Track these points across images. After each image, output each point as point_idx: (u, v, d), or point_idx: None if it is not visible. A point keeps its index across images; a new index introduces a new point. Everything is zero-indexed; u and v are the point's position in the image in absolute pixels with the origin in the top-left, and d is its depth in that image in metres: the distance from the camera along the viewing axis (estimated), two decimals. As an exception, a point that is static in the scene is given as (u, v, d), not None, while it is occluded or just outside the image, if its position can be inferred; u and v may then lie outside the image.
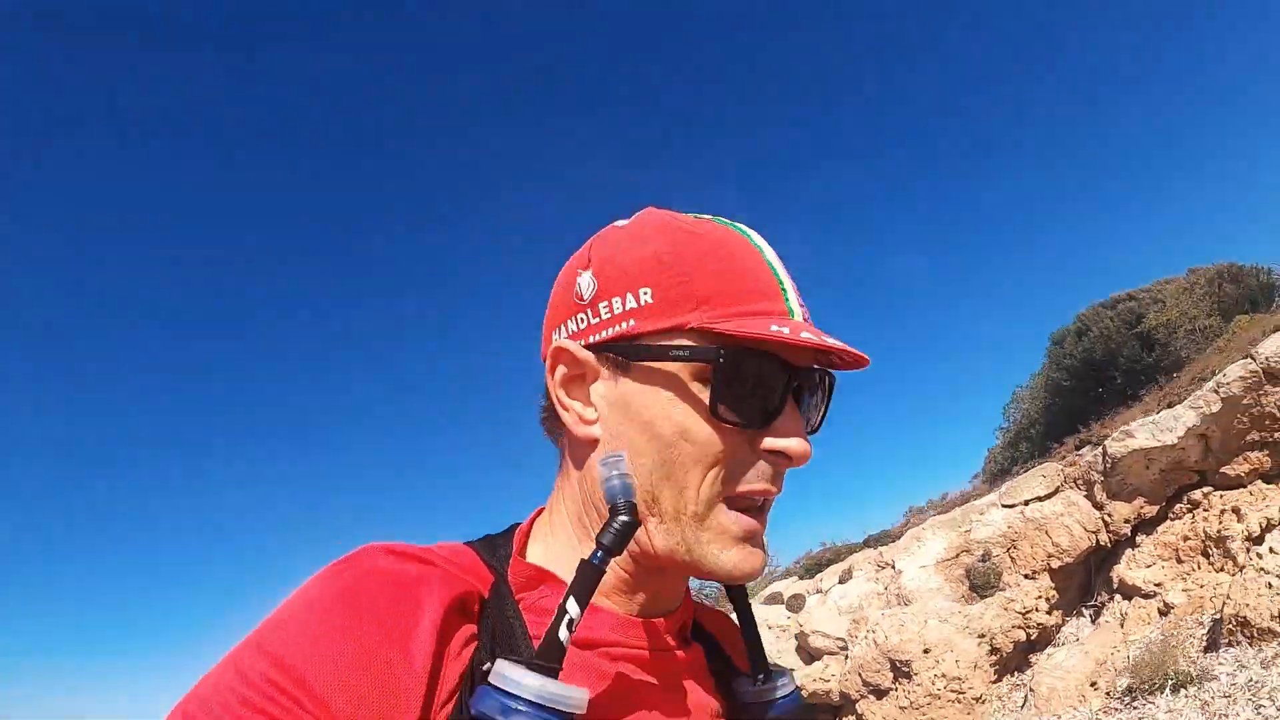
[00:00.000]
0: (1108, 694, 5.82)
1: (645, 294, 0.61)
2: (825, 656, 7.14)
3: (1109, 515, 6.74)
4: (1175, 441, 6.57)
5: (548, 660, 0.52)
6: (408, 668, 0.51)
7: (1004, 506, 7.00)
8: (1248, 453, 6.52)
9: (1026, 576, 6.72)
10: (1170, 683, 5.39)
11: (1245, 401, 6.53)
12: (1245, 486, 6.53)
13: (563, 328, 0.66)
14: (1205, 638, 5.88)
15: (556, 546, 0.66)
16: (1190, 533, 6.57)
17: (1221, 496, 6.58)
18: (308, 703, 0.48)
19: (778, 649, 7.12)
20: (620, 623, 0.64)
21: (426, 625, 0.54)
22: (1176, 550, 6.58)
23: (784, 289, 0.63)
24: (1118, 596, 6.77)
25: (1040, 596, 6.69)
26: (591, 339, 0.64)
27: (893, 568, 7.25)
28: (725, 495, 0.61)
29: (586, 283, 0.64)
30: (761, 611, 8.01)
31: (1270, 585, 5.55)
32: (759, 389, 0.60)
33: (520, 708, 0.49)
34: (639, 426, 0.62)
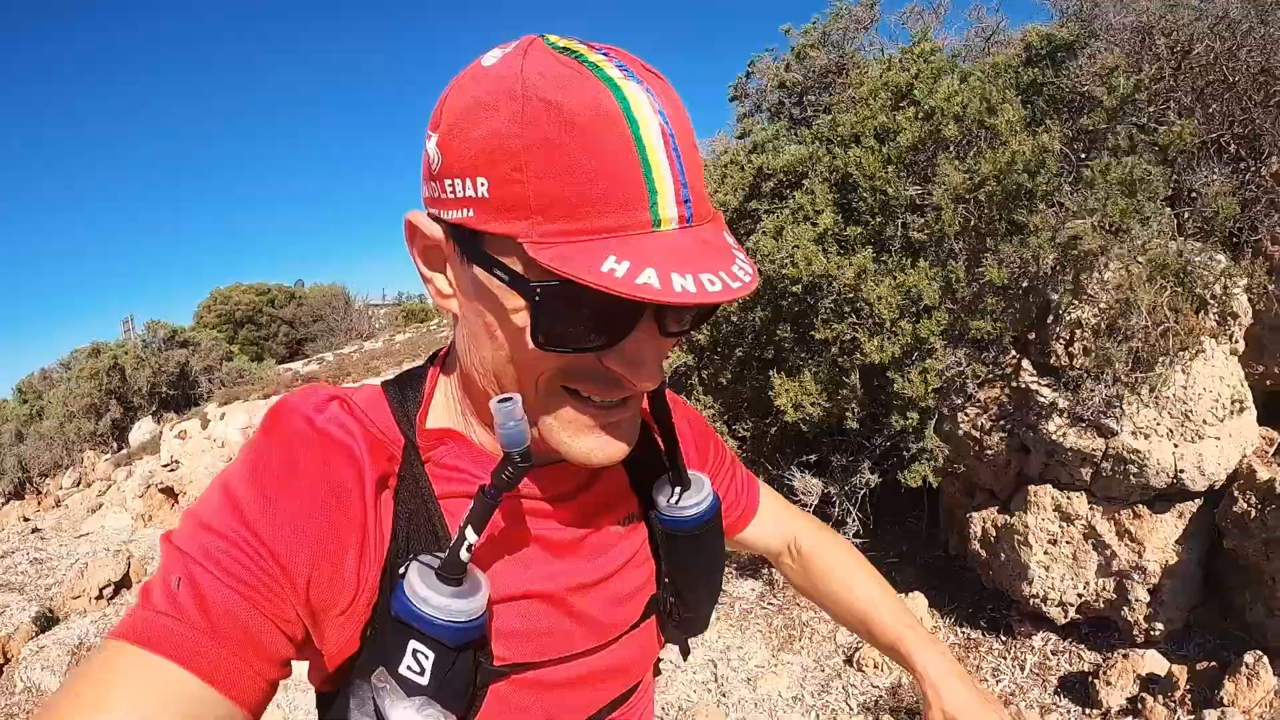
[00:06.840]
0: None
1: (482, 185, 0.50)
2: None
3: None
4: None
5: (451, 573, 0.55)
6: (349, 540, 0.56)
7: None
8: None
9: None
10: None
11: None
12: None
13: (424, 187, 0.57)
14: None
15: (449, 413, 0.66)
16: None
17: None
18: (267, 556, 0.53)
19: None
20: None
21: (355, 497, 0.57)
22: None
23: (652, 189, 0.49)
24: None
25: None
26: (441, 215, 0.55)
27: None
28: (568, 388, 0.57)
29: (433, 150, 0.55)
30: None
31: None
32: (592, 323, 0.52)
33: (430, 616, 0.55)
34: (481, 321, 0.57)
